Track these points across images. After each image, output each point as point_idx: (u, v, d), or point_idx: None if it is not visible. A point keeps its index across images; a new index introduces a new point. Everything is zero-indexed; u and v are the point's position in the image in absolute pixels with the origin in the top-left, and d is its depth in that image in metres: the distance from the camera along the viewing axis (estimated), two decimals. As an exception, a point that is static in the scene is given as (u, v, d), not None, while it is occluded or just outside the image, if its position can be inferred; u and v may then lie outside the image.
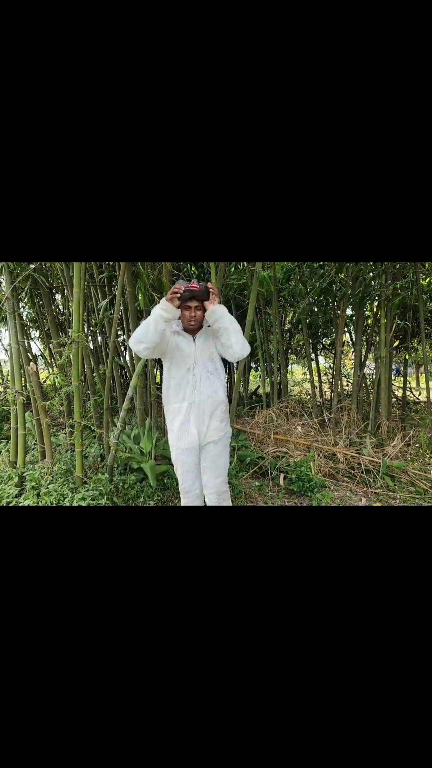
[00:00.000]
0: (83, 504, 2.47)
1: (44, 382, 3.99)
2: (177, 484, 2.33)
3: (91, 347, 4.16)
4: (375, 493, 2.87)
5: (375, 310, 3.85)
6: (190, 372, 1.86)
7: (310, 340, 4.68)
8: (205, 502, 2.04)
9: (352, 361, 4.50)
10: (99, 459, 3.20)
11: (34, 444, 3.28)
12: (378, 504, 2.67)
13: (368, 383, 4.44)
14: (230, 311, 4.87)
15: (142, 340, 1.71)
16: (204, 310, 1.80)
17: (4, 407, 4.51)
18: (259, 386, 5.52)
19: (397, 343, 4.33)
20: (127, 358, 4.35)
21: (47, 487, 2.62)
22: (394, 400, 4.75)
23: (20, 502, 2.54)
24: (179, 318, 1.83)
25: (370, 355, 4.35)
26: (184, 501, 2.06)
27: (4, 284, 3.03)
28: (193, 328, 1.84)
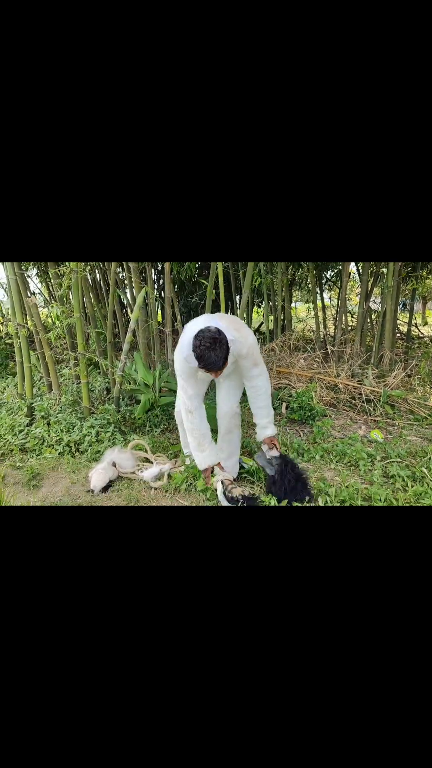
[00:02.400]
0: (92, 431, 2.57)
1: (45, 319, 3.95)
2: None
3: (89, 282, 4.05)
4: (375, 420, 2.96)
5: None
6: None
7: (315, 272, 4.53)
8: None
9: (357, 296, 4.38)
10: (105, 392, 3.26)
11: (40, 378, 3.33)
12: (377, 431, 2.76)
13: (373, 317, 4.37)
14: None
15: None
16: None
17: (8, 342, 4.51)
18: (262, 323, 5.45)
19: (405, 273, 4.18)
20: (128, 293, 4.26)
21: (56, 417, 2.71)
22: (398, 335, 4.70)
23: (32, 431, 2.64)
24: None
25: (376, 289, 4.24)
26: (186, 420, 2.09)
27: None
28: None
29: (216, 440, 2.13)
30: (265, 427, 1.91)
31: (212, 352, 1.57)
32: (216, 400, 2.12)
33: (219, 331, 1.63)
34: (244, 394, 2.07)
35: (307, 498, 1.96)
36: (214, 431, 2.14)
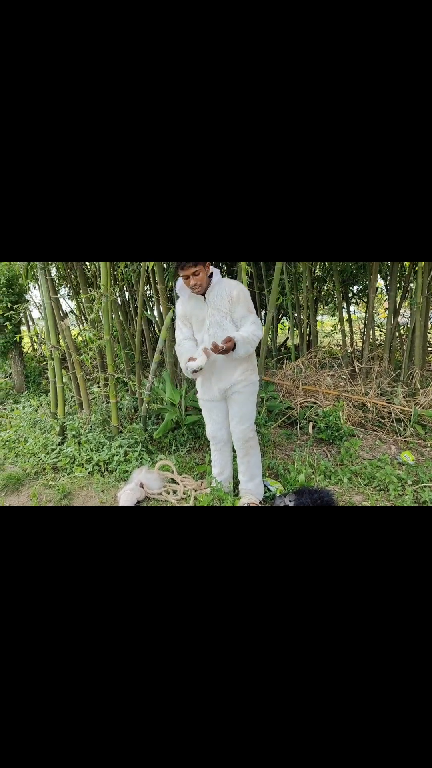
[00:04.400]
0: (120, 451, 2.63)
1: (76, 338, 4.12)
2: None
3: (119, 302, 4.19)
4: (405, 441, 2.87)
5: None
6: (206, 332, 1.90)
7: (341, 288, 4.50)
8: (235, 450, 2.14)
9: (386, 310, 4.30)
10: (133, 411, 3.34)
11: (71, 396, 3.45)
12: (407, 452, 2.68)
13: (402, 332, 4.28)
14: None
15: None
16: (203, 269, 1.77)
17: (42, 362, 4.71)
18: (287, 338, 5.44)
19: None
20: (155, 312, 4.37)
21: (86, 436, 2.80)
22: (429, 349, 4.57)
23: (63, 450, 2.74)
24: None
25: (405, 303, 4.15)
26: (212, 448, 2.22)
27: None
28: (200, 292, 1.84)
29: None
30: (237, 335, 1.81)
31: None
32: (228, 426, 2.14)
33: None
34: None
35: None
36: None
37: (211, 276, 1.85)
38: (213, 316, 1.87)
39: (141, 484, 2.25)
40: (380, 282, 4.49)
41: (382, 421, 3.08)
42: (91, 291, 2.79)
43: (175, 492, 2.29)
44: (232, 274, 4.51)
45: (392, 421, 3.01)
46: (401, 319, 4.22)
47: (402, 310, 4.27)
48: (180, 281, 1.87)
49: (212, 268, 1.86)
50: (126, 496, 2.18)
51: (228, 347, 1.74)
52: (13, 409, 3.70)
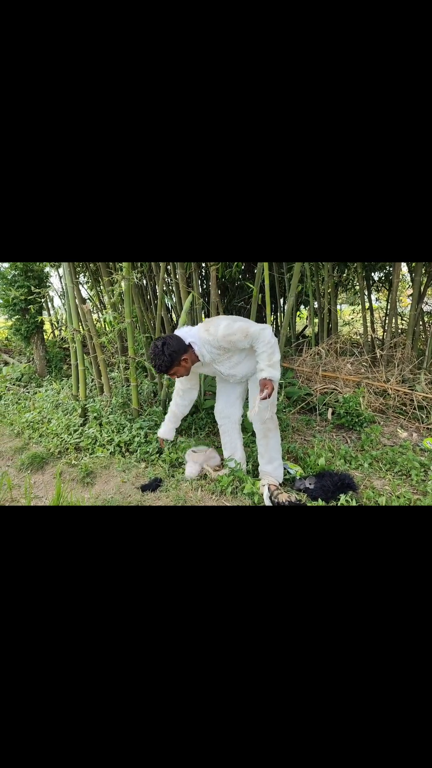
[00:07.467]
0: (141, 432, 2.67)
1: (96, 323, 4.17)
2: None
3: (138, 289, 4.21)
4: (427, 428, 2.83)
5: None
6: (222, 378, 2.06)
7: (362, 273, 4.40)
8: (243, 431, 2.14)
9: (408, 297, 4.19)
10: (152, 395, 3.37)
11: (92, 381, 3.50)
12: (430, 438, 2.63)
13: (426, 320, 4.17)
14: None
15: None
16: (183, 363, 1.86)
17: (63, 347, 4.79)
18: (306, 326, 5.37)
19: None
20: (174, 299, 4.37)
21: (108, 418, 2.84)
22: (453, 338, 4.45)
23: (85, 431, 2.79)
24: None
25: (429, 291, 4.04)
26: (220, 429, 2.30)
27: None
28: (186, 374, 1.94)
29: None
30: (262, 369, 1.82)
31: (154, 360, 1.83)
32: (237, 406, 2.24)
33: (165, 341, 1.82)
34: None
35: (351, 492, 1.98)
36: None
37: (191, 345, 1.88)
38: (221, 368, 1.97)
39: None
40: (404, 269, 4.37)
41: (404, 407, 3.03)
42: (113, 274, 2.81)
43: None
44: (251, 273, 4.46)
45: (414, 408, 2.96)
46: (425, 307, 4.11)
47: (426, 298, 4.15)
48: None
49: (187, 336, 1.88)
50: (190, 467, 2.32)
51: (269, 392, 1.74)
52: (36, 393, 3.79)
